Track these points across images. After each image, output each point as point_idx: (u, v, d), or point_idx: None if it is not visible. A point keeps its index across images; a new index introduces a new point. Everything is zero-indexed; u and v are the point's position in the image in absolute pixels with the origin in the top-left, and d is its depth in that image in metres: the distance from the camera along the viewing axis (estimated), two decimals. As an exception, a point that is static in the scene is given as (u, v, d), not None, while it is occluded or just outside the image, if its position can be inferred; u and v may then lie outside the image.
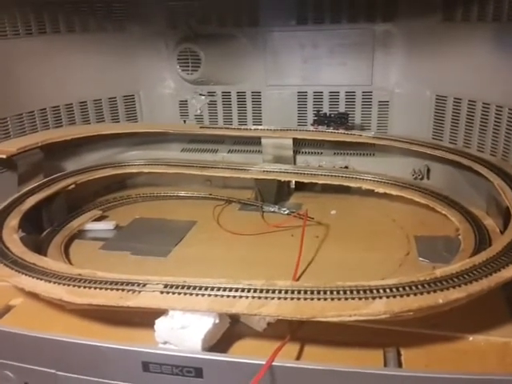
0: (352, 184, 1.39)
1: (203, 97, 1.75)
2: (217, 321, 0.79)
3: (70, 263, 1.13)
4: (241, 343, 0.84)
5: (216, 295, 0.79)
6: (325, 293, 0.76)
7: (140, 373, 0.77)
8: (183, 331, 0.78)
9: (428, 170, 1.44)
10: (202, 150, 1.65)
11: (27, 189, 1.31)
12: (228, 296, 0.79)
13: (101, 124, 1.69)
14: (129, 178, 1.62)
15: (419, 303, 0.73)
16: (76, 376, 0.82)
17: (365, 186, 1.37)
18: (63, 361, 0.81)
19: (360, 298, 0.75)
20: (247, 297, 0.78)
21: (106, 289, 0.83)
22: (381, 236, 1.25)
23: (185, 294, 0.80)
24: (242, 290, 0.80)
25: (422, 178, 1.44)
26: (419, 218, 1.31)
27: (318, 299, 0.75)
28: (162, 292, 0.81)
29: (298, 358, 0.80)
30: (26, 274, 0.90)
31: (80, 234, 1.30)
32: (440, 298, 0.74)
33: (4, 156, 1.32)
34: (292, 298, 0.76)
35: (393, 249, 1.16)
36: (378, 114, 1.61)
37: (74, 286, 0.85)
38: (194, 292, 0.80)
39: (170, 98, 1.78)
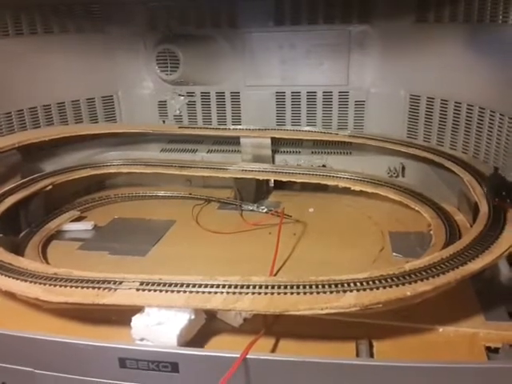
0: (329, 182, 1.42)
1: (182, 97, 1.76)
2: (192, 317, 0.80)
3: (48, 263, 1.13)
4: (217, 338, 0.85)
5: (191, 292, 0.81)
6: (298, 287, 0.78)
7: (117, 369, 0.78)
8: (159, 327, 0.79)
9: (403, 168, 1.47)
10: (181, 150, 1.66)
11: (4, 190, 1.30)
12: (203, 292, 0.80)
13: (79, 125, 1.68)
14: (108, 179, 1.62)
15: (388, 296, 0.75)
16: (54, 374, 0.82)
17: (341, 184, 1.39)
18: (41, 359, 0.82)
19: (331, 292, 0.77)
20: (222, 292, 0.80)
21: (82, 287, 0.84)
22: (357, 232, 1.27)
23: (160, 291, 0.82)
24: (218, 286, 0.81)
25: (397, 176, 1.47)
26: (394, 214, 1.34)
27: (292, 293, 0.77)
28: (137, 289, 0.82)
29: (273, 351, 0.81)
30: (1, 274, 0.90)
31: (58, 235, 1.30)
32: (408, 290, 0.76)
33: (-20, 157, 1.31)
34: (266, 293, 0.78)
35: (368, 245, 1.19)
36: (355, 114, 1.63)
37: (50, 284, 0.86)
38: (170, 289, 0.82)
39: (148, 98, 1.78)
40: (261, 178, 1.46)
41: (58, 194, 1.43)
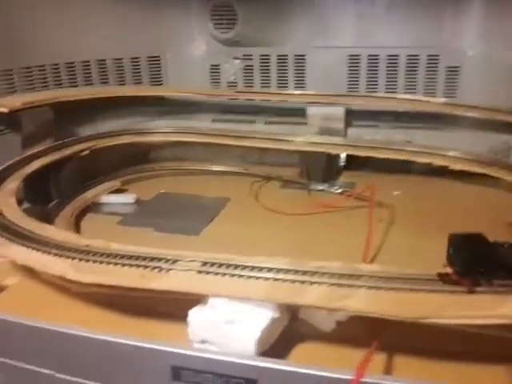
0: (421, 159, 1.15)
1: (238, 61, 1.53)
2: (276, 315, 0.57)
3: (80, 237, 0.92)
4: (301, 347, 0.62)
5: (276, 279, 0.57)
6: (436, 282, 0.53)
7: (168, 382, 0.56)
8: (229, 327, 0.56)
9: (510, 148, 1.20)
10: (236, 121, 1.43)
11: (32, 152, 1.10)
12: (293, 281, 0.57)
13: (121, 86, 1.48)
14: (153, 150, 1.41)
15: None
16: (80, 380, 0.62)
17: (436, 162, 1.12)
18: (65, 360, 0.62)
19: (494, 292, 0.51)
20: (320, 283, 0.56)
21: (123, 265, 0.62)
22: (464, 221, 1.00)
23: (232, 275, 0.58)
24: (312, 274, 0.57)
25: (504, 157, 1.19)
26: (504, 201, 1.07)
27: (430, 291, 0.52)
28: (199, 271, 0.59)
29: (387, 371, 0.57)
30: (18, 243, 0.69)
31: (94, 207, 1.11)
32: None
33: (6, 110, 1.09)
34: (390, 288, 0.53)
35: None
36: (446, 82, 1.36)
37: (81, 259, 0.64)
38: (245, 274, 0.58)
39: (199, 60, 1.56)
40: (334, 152, 1.21)
41: (95, 161, 1.23)
